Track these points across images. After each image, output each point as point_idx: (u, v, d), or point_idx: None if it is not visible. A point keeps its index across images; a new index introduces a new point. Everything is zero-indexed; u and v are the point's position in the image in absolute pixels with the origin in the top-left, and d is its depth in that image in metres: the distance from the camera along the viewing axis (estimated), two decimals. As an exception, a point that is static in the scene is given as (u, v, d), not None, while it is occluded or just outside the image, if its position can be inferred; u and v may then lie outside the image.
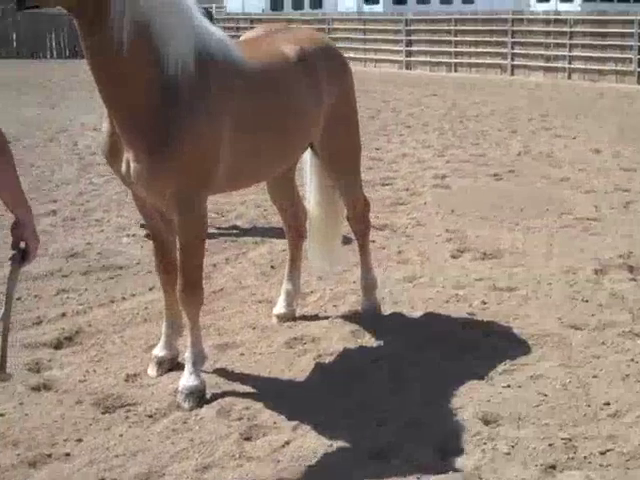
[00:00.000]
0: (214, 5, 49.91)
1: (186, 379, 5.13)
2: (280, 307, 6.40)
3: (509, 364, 5.53)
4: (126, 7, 4.40)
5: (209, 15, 7.02)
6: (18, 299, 6.81)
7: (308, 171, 6.42)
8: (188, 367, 5.18)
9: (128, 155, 4.82)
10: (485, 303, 6.68)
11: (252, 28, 27.45)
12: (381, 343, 5.96)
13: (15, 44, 39.26)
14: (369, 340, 6.01)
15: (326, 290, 7.04)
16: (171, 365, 5.51)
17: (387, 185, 11.23)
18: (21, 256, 3.54)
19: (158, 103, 4.67)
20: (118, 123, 4.76)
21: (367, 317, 6.35)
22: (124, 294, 6.98)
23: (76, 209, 10.03)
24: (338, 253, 6.64)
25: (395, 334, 6.09)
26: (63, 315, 6.49)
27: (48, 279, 7.40)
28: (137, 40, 4.51)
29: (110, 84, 4.61)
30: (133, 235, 8.70)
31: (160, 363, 5.49)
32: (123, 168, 4.90)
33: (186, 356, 5.25)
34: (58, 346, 5.96)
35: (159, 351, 5.54)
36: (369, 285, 6.49)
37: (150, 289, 7.09)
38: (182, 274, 5.11)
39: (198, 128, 4.76)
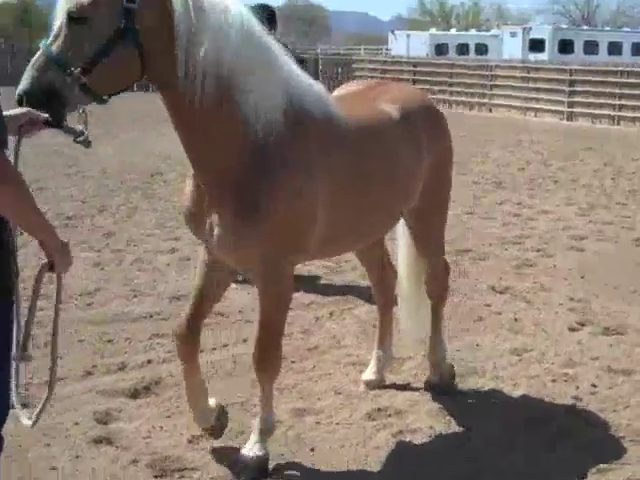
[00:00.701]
0: (384, 47, 50.12)
1: (249, 448, 4.82)
2: (369, 373, 6.04)
3: (606, 462, 4.98)
4: (206, 66, 4.11)
5: (300, 60, 6.78)
6: (109, 341, 6.72)
7: (400, 230, 6.05)
8: (254, 436, 4.86)
9: (212, 218, 4.47)
10: (595, 386, 6.11)
11: (415, 72, 27.06)
12: (472, 423, 5.50)
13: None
14: (459, 419, 5.56)
15: (426, 356, 6.60)
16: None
17: (518, 244, 10.65)
18: (49, 266, 3.48)
19: (246, 161, 4.34)
20: (202, 182, 4.47)
21: (450, 391, 5.94)
22: (215, 344, 6.76)
23: (194, 249, 9.89)
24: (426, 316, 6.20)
25: (489, 414, 5.64)
26: (149, 362, 6.32)
27: (146, 322, 7.27)
28: (218, 96, 4.20)
29: (193, 141, 4.35)
30: (243, 281, 8.48)
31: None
32: (206, 231, 4.55)
33: (253, 423, 4.93)
34: (134, 395, 5.77)
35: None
36: (437, 358, 6.05)
37: (244, 340, 6.84)
38: (259, 343, 4.74)
39: (290, 187, 4.40)
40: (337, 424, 5.42)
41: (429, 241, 5.84)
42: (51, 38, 3.91)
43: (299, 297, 8.00)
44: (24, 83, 3.83)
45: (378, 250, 6.04)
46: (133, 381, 5.94)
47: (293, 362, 6.43)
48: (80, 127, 4.09)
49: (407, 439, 5.27)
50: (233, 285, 8.24)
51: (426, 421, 5.50)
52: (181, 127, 4.29)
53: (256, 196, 4.34)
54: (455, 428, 5.45)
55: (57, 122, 3.88)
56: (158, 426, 5.29)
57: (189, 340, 4.89)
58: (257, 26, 4.35)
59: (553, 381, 6.20)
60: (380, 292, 6.13)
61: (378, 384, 5.99)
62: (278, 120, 4.37)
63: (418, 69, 36.58)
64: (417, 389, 6.02)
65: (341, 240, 5.05)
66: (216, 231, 4.45)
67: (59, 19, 3.92)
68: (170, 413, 5.49)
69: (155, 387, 5.90)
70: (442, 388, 5.95)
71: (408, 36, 44.57)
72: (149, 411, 5.52)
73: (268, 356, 4.75)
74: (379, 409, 5.64)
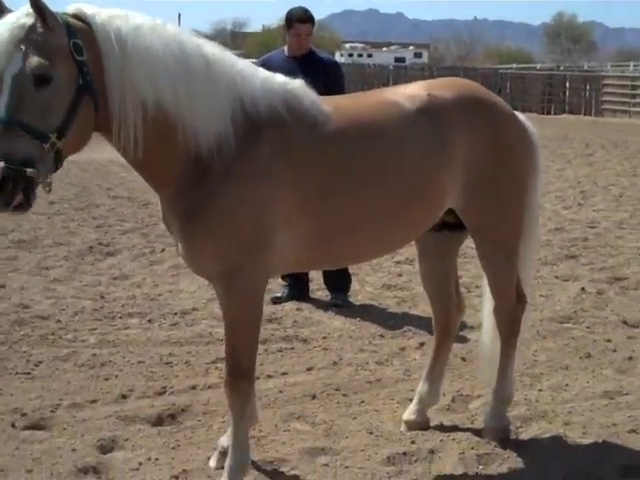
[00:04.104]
0: (632, 63, 47.58)
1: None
2: (410, 412, 5.43)
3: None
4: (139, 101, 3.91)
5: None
6: (167, 364, 6.47)
7: None
8: (225, 475, 4.47)
9: (174, 230, 4.36)
10: (681, 440, 5.20)
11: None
12: (505, 474, 4.80)
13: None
14: (492, 468, 4.88)
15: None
16: None
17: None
18: None
19: (194, 178, 4.13)
20: (159, 197, 4.38)
21: (500, 438, 5.18)
22: (275, 371, 6.35)
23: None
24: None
25: (531, 466, 4.89)
26: (192, 388, 6.01)
27: (222, 344, 6.95)
28: (158, 128, 4.00)
29: (139, 167, 4.20)
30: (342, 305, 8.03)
31: (224, 454, 4.74)
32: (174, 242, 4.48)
33: (226, 462, 4.51)
34: (156, 423, 5.48)
35: (225, 441, 4.82)
36: (501, 399, 5.29)
37: (308, 369, 6.40)
38: (227, 362, 4.47)
39: (231, 194, 4.13)
40: (347, 467, 4.88)
41: (490, 255, 5.07)
42: (3, 105, 3.60)
43: (394, 323, 7.48)
44: None
45: (445, 277, 5.41)
46: (163, 407, 5.65)
47: (345, 395, 5.92)
48: None
49: (421, 490, 4.67)
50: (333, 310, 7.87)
51: (452, 469, 4.86)
52: (127, 158, 4.12)
53: (199, 206, 4.13)
54: (481, 478, 4.77)
55: (29, 203, 3.66)
56: (154, 458, 4.96)
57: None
58: (188, 41, 4.12)
59: (631, 431, 5.33)
60: (439, 325, 5.50)
61: (420, 425, 5.37)
62: (226, 131, 4.10)
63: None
64: (466, 430, 5.35)
65: (336, 249, 4.61)
66: (178, 243, 4.36)
67: (8, 81, 3.61)
68: (177, 444, 5.15)
69: (181, 414, 5.58)
70: (495, 433, 5.23)
71: (662, 50, 41.99)
72: (158, 440, 5.20)
73: (236, 379, 4.43)
74: (405, 453, 5.03)
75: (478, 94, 4.96)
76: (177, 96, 3.99)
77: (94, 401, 5.72)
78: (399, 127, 4.56)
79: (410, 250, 8.21)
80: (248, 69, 4.31)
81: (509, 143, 4.91)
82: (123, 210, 12.83)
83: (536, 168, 5.10)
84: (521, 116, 5.14)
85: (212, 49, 4.19)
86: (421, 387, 5.47)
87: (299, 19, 7.48)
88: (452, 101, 4.74)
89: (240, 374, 4.41)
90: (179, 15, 56.58)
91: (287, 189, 4.21)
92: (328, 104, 4.47)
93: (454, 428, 5.42)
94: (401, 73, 43.28)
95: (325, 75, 7.12)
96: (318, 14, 7.64)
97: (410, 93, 4.73)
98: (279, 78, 4.41)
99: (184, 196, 4.13)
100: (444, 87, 4.86)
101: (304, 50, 7.59)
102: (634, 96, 36.66)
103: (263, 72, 4.39)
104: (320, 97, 4.50)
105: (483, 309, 5.58)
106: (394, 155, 4.54)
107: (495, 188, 4.86)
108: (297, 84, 4.43)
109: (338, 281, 8.03)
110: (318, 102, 4.43)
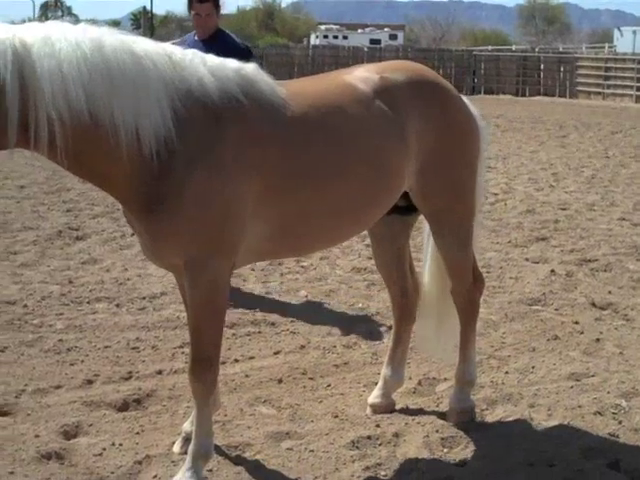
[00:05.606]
0: (607, 45, 47.81)
1: (181, 476, 4.39)
2: (374, 396, 5.43)
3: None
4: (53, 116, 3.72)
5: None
6: (134, 349, 6.43)
7: (425, 233, 5.41)
8: (187, 462, 4.43)
9: (135, 225, 4.32)
10: (645, 422, 5.22)
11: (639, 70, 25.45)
12: (468, 459, 4.80)
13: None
14: (456, 452, 4.89)
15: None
16: None
17: (658, 256, 9.51)
18: None
19: (145, 174, 4.01)
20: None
21: (464, 420, 5.19)
22: (242, 355, 6.33)
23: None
24: (450, 334, 5.47)
25: (494, 450, 4.89)
26: (159, 373, 5.97)
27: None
28: (86, 137, 3.85)
29: (94, 184, 4.19)
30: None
31: (188, 439, 4.73)
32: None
33: (189, 448, 4.49)
34: (121, 408, 5.44)
35: (189, 426, 4.81)
36: (463, 381, 5.31)
37: (275, 353, 6.38)
38: (191, 354, 4.41)
39: (202, 187, 4.03)
40: (311, 451, 4.87)
41: (445, 238, 5.06)
42: None
43: (363, 306, 7.48)
44: None
45: (399, 257, 5.40)
46: (128, 392, 5.61)
47: (311, 379, 5.91)
48: None
49: (381, 472, 4.66)
50: (302, 292, 7.86)
51: (416, 452, 4.86)
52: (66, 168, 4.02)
53: (162, 201, 4.03)
54: (444, 463, 4.77)
55: None
56: (118, 443, 4.93)
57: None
58: (105, 42, 3.90)
59: (597, 413, 5.35)
60: (397, 307, 5.50)
61: (385, 408, 5.37)
62: (167, 131, 3.98)
63: (643, 66, 34.65)
64: (432, 413, 5.35)
65: (300, 237, 4.56)
66: (140, 238, 4.35)
67: None
68: (141, 429, 5.12)
69: (147, 400, 5.55)
70: (459, 416, 5.24)
71: (634, 32, 42.11)
72: (122, 426, 5.17)
73: (200, 368, 4.37)
74: (369, 436, 5.03)
75: (427, 77, 4.96)
76: (92, 97, 3.81)
77: (59, 387, 5.68)
78: (358, 109, 4.54)
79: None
80: (189, 58, 4.15)
81: (459, 125, 4.94)
82: (93, 194, 12.69)
83: (481, 149, 5.11)
84: (464, 98, 5.15)
85: (142, 47, 4.02)
86: (385, 370, 5.47)
87: None
88: (403, 83, 4.75)
89: (204, 362, 4.37)
90: (150, -5, 55.81)
91: (253, 177, 4.15)
92: (284, 88, 4.41)
93: (419, 411, 5.43)
94: (375, 55, 43.15)
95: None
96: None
97: (362, 75, 4.72)
98: (231, 63, 4.30)
99: (143, 193, 4.03)
100: (394, 70, 4.85)
101: (209, 31, 7.35)
102: (608, 78, 36.79)
103: (213, 59, 4.26)
104: (275, 81, 4.43)
105: (424, 283, 5.56)
106: (356, 137, 4.51)
107: (448, 170, 4.88)
108: (251, 68, 4.34)
109: None
110: (275, 86, 4.37)
